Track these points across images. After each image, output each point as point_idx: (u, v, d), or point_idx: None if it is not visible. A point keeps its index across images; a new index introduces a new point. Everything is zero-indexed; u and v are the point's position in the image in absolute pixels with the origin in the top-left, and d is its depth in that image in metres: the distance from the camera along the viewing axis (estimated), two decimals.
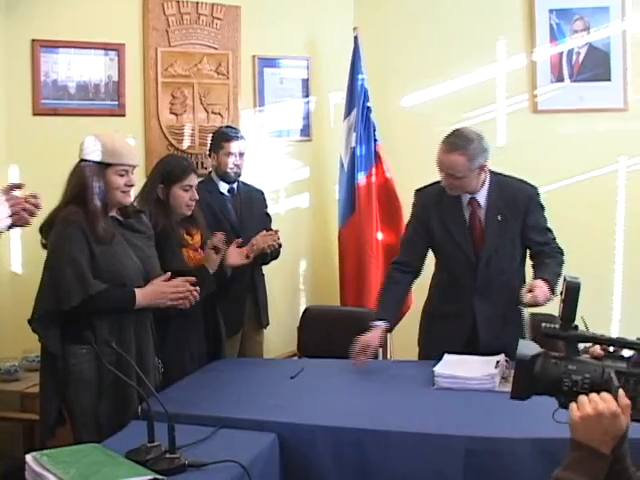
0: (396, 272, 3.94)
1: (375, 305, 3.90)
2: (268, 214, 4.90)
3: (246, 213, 4.70)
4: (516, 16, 5.57)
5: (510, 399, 1.87)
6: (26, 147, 4.63)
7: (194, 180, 3.91)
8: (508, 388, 1.91)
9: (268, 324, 4.86)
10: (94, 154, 3.27)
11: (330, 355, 3.97)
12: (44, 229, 3.31)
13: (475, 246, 3.79)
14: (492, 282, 3.78)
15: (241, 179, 4.74)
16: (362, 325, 4.36)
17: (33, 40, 4.67)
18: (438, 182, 3.84)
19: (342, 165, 5.57)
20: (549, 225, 3.87)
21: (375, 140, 5.50)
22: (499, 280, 3.78)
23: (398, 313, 3.91)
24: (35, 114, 4.72)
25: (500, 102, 5.64)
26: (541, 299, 3.42)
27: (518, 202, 3.77)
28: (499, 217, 3.76)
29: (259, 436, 2.82)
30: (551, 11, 5.49)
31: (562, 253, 3.83)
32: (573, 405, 1.72)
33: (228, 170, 4.61)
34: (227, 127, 4.84)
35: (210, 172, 4.77)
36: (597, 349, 1.86)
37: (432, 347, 3.92)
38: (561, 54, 5.50)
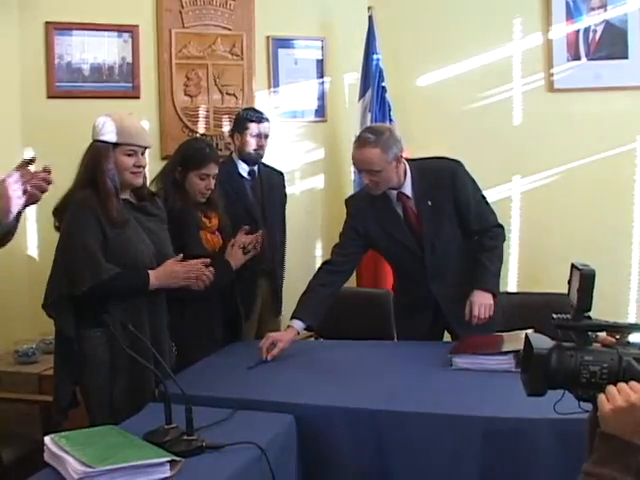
0: (325, 273, 3.87)
1: (298, 302, 3.81)
2: (285, 194, 4.91)
3: (267, 196, 4.69)
4: None
5: (528, 397, 1.85)
6: (41, 130, 4.64)
7: (213, 169, 3.88)
8: None
9: (281, 313, 4.85)
10: (103, 134, 3.26)
11: (346, 336, 3.97)
12: (58, 212, 3.30)
13: (416, 238, 3.79)
14: (443, 266, 3.79)
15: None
16: (378, 306, 4.38)
17: (47, 22, 4.68)
18: (364, 188, 3.90)
19: None
20: (482, 193, 3.88)
21: (390, 120, 5.45)
22: (449, 263, 3.80)
23: (320, 314, 3.77)
24: (49, 97, 4.74)
25: (516, 81, 5.59)
26: (486, 316, 3.60)
27: (443, 182, 3.75)
28: (429, 202, 3.74)
29: (276, 418, 2.81)
30: None
31: (500, 230, 3.86)
32: (602, 397, 1.67)
33: (251, 151, 4.59)
34: (251, 109, 4.83)
35: (231, 153, 4.75)
36: (608, 337, 1.83)
37: (405, 338, 4.00)
38: (577, 32, 5.44)
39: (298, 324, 3.67)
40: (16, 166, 2.77)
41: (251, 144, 4.57)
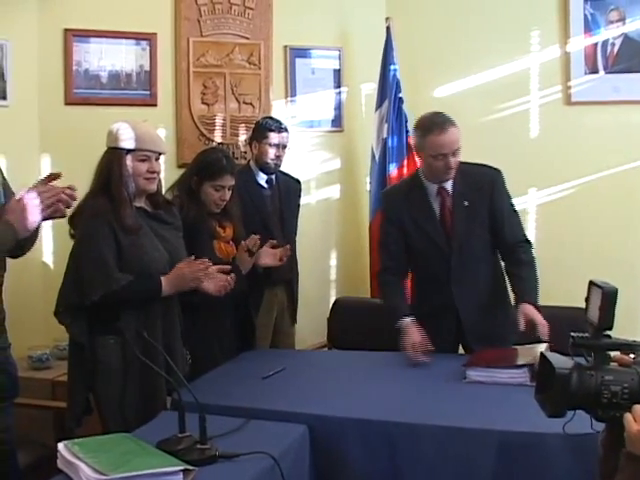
0: (388, 276, 3.90)
1: (389, 310, 3.81)
2: (299, 205, 4.90)
3: (285, 205, 4.69)
4: (550, 7, 5.50)
5: (548, 418, 1.83)
6: (58, 137, 4.65)
7: (228, 181, 3.87)
8: None
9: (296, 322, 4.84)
10: (117, 141, 3.27)
11: (360, 347, 3.96)
12: (73, 219, 3.29)
13: (446, 236, 3.78)
14: (467, 271, 3.77)
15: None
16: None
17: (65, 30, 4.69)
18: (400, 182, 3.96)
19: (373, 156, 5.55)
20: (515, 208, 3.90)
21: (407, 131, 5.44)
22: (473, 268, 3.79)
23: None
24: (67, 104, 4.75)
25: (533, 93, 5.57)
26: (545, 323, 3.45)
27: (483, 187, 3.78)
28: (466, 203, 3.76)
29: (290, 427, 2.81)
30: (586, 1, 5.40)
31: (530, 246, 3.85)
32: (629, 417, 1.66)
33: (269, 161, 4.57)
34: (271, 118, 4.80)
35: (249, 161, 4.74)
36: (624, 356, 1.81)
37: None
38: (595, 45, 5.42)
39: (409, 319, 3.67)
40: (41, 179, 2.80)
41: (269, 153, 4.55)
